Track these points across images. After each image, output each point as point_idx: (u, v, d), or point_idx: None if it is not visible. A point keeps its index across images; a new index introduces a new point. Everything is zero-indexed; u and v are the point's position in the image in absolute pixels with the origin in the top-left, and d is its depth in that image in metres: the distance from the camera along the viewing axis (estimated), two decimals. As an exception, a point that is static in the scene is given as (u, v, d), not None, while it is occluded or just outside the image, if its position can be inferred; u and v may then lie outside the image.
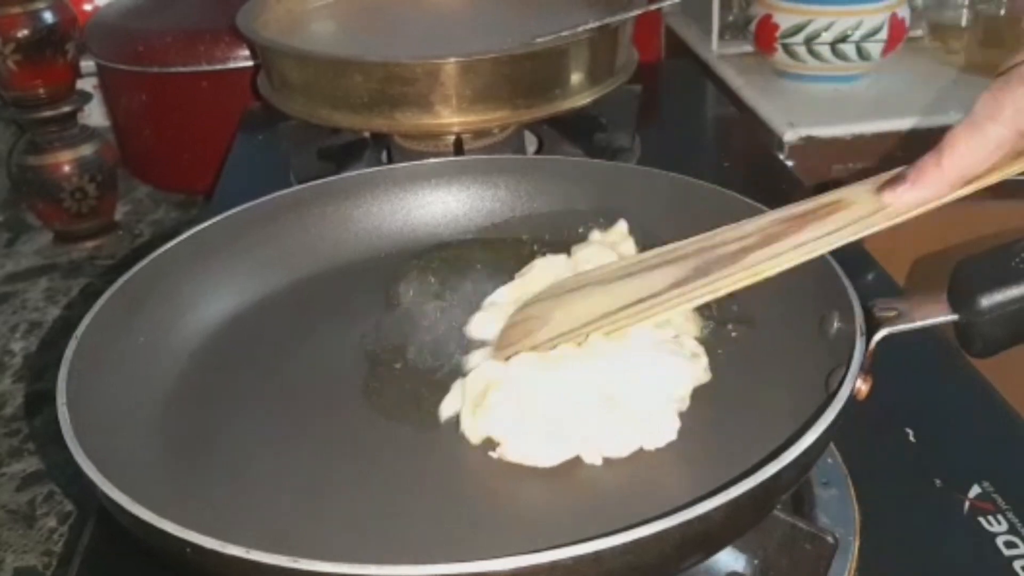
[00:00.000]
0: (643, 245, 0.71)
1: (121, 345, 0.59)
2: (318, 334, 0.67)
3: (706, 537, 0.43)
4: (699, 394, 0.57)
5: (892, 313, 0.53)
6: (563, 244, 0.71)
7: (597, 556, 0.39)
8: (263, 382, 0.62)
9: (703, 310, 0.64)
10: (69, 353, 0.54)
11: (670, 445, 0.54)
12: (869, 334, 0.51)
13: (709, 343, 0.61)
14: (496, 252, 0.74)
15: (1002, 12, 1.31)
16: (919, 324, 0.53)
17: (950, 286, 0.54)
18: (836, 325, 0.56)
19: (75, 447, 0.47)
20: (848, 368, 0.49)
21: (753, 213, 0.65)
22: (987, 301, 0.51)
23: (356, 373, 0.63)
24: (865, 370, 0.50)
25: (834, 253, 0.58)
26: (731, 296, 0.58)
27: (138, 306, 0.62)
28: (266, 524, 0.50)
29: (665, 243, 0.69)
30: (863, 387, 0.51)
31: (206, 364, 0.64)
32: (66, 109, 1.16)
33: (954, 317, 0.53)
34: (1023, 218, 1.10)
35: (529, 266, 0.68)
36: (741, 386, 0.59)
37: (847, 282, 0.55)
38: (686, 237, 0.69)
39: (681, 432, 0.55)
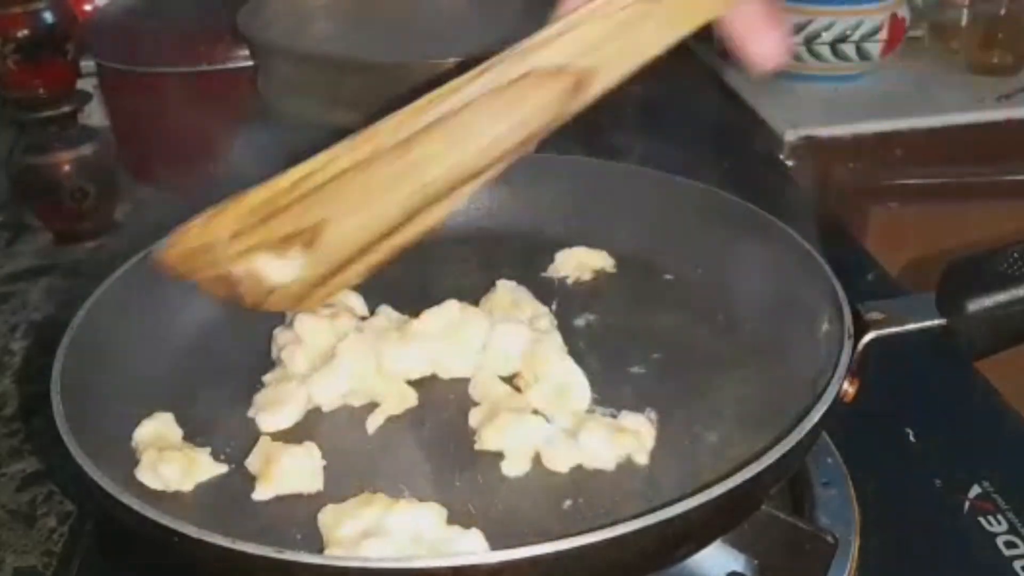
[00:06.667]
0: (638, 244, 0.71)
1: (117, 337, 0.59)
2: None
3: (688, 535, 0.44)
4: (688, 393, 0.58)
5: (880, 316, 0.53)
6: (557, 244, 0.71)
7: (580, 551, 0.39)
8: (257, 375, 0.62)
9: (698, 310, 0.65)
10: (64, 343, 0.54)
11: (658, 443, 0.55)
12: (857, 337, 0.51)
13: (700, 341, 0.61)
14: (491, 249, 0.74)
15: (1002, 12, 1.31)
16: (907, 328, 0.53)
17: (939, 289, 0.54)
18: (825, 327, 0.55)
19: (68, 437, 0.47)
20: (835, 371, 0.49)
21: (746, 213, 0.65)
22: (975, 305, 0.51)
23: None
24: (852, 372, 0.50)
25: (833, 252, 0.58)
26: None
27: (134, 299, 0.62)
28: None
29: (661, 244, 0.70)
30: (850, 389, 0.51)
31: (201, 357, 0.64)
32: (66, 109, 1.16)
33: (942, 321, 0.53)
34: (1021, 219, 1.10)
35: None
36: (729, 384, 0.59)
37: (837, 285, 0.55)
38: (679, 238, 0.69)
39: (669, 431, 0.55)
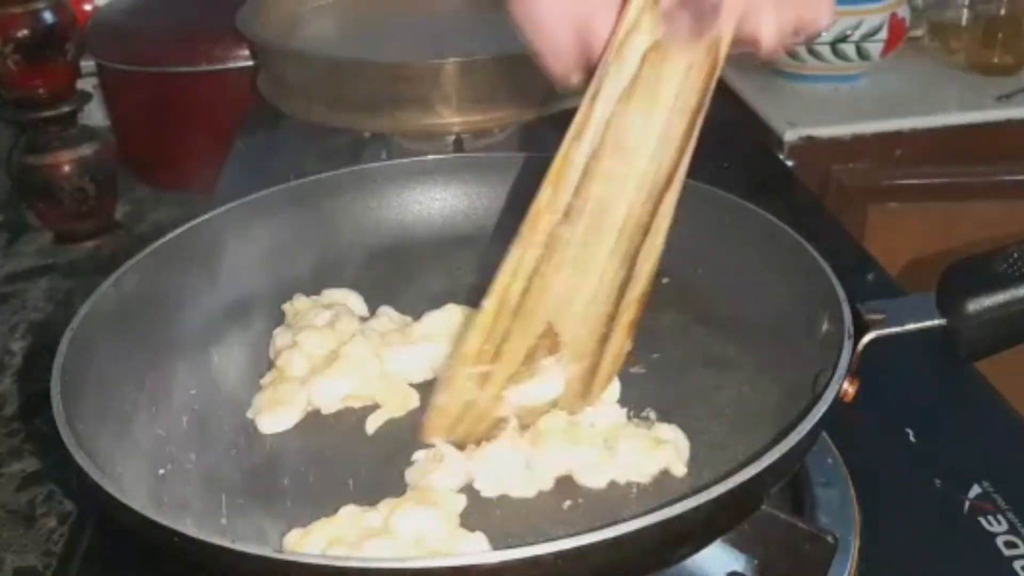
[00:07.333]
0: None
1: (117, 337, 0.59)
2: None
3: (688, 535, 0.44)
4: (688, 393, 0.58)
5: (880, 316, 0.53)
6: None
7: (580, 551, 0.39)
8: (256, 375, 0.62)
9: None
10: (64, 343, 0.54)
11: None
12: (857, 337, 0.51)
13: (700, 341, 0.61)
14: (491, 250, 0.74)
15: (1002, 12, 1.31)
16: (907, 328, 0.53)
17: (939, 290, 0.54)
18: (825, 327, 0.55)
19: (68, 437, 0.47)
20: (835, 371, 0.49)
21: (746, 214, 0.65)
22: (975, 306, 0.52)
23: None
24: (852, 372, 0.50)
25: (833, 252, 0.58)
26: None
27: (134, 299, 0.62)
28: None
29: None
30: (850, 389, 0.51)
31: (200, 358, 0.64)
32: (66, 109, 1.16)
33: (942, 321, 0.53)
34: (1021, 219, 1.10)
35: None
36: (729, 385, 0.59)
37: (837, 285, 0.55)
38: (679, 238, 0.69)
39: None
